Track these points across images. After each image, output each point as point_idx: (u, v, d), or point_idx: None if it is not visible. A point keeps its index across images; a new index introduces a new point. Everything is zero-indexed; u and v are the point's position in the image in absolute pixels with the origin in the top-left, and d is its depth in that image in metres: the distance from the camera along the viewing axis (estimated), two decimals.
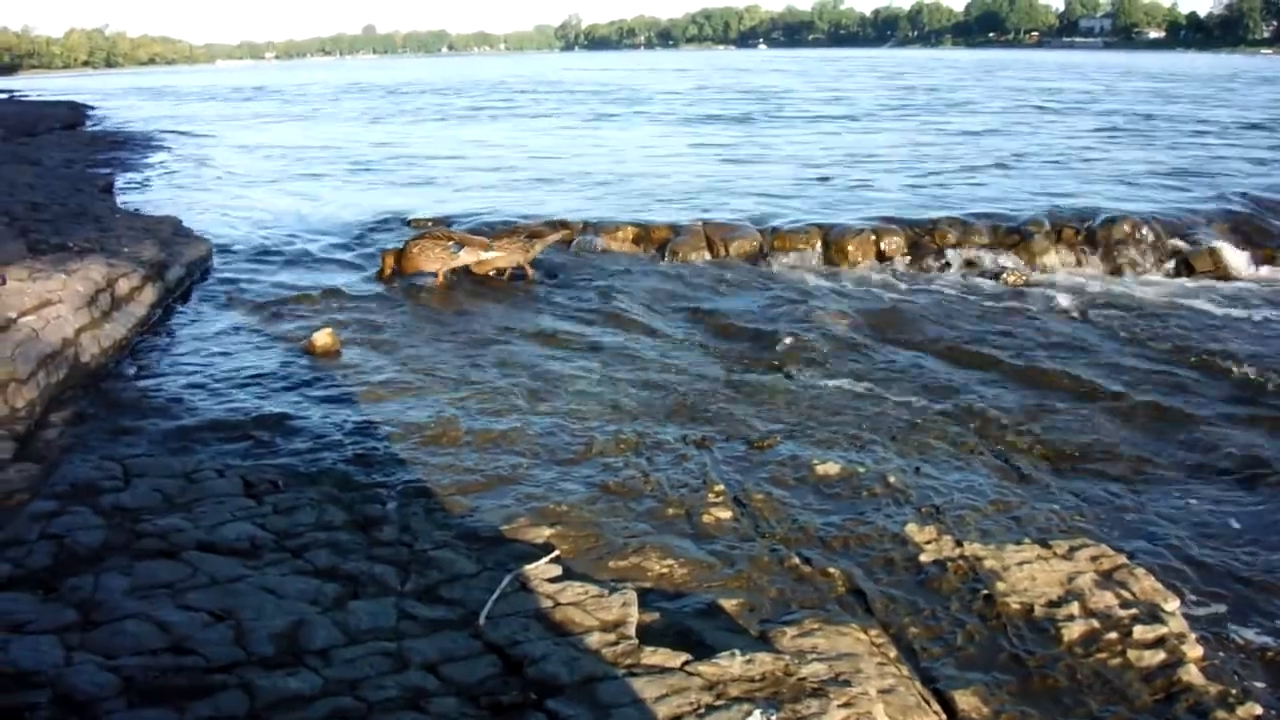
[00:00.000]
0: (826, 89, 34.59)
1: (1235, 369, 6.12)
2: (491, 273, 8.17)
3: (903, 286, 8.41)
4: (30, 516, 3.64)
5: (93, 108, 32.40)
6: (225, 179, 14.85)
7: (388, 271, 7.97)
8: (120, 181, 13.90)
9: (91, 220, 8.55)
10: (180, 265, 7.67)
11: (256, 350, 6.09)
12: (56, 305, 5.58)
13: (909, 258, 9.32)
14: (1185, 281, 8.75)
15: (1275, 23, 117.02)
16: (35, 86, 59.75)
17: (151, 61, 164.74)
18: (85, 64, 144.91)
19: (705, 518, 3.92)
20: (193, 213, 10.66)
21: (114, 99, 40.95)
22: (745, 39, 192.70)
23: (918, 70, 51.98)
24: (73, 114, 27.89)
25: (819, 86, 36.38)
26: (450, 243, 7.91)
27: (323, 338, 5.97)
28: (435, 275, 7.85)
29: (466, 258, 7.93)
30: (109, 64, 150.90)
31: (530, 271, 8.24)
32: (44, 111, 27.94)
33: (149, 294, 6.82)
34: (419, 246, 7.85)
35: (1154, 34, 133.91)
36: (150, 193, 13.25)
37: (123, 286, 6.49)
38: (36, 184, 11.23)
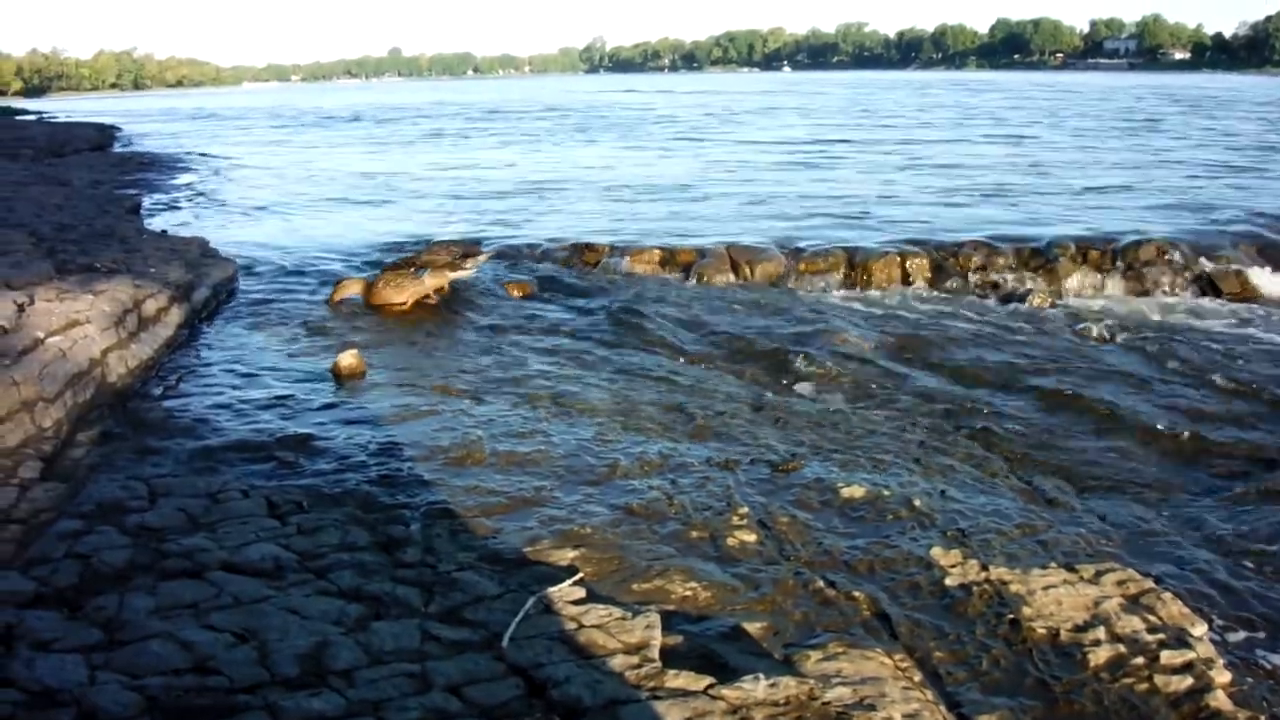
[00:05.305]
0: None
1: (1263, 391, 6.07)
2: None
3: (927, 309, 8.40)
4: (57, 535, 3.67)
5: (120, 129, 32.73)
6: (252, 201, 14.98)
7: (335, 300, 7.72)
8: (148, 202, 14.04)
9: (118, 241, 8.62)
10: (207, 286, 7.72)
11: (282, 371, 6.12)
12: (84, 325, 5.62)
13: (933, 280, 9.30)
14: (1211, 303, 8.70)
15: None
16: (64, 108, 60.50)
17: (179, 84, 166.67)
18: (113, 86, 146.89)
19: (729, 540, 3.90)
20: (220, 233, 10.74)
21: (144, 121, 41.36)
22: (769, 61, 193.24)
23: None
24: (101, 135, 28.21)
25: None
26: (414, 270, 7.76)
27: (347, 359, 5.99)
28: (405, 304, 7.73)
29: (432, 282, 7.79)
30: (137, 86, 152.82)
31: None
32: (72, 133, 28.22)
33: (175, 314, 6.86)
34: (385, 280, 7.69)
35: (1179, 55, 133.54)
36: (177, 214, 13.39)
37: (149, 307, 6.53)
38: (64, 205, 11.34)
